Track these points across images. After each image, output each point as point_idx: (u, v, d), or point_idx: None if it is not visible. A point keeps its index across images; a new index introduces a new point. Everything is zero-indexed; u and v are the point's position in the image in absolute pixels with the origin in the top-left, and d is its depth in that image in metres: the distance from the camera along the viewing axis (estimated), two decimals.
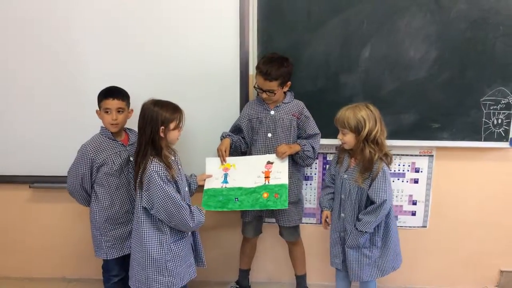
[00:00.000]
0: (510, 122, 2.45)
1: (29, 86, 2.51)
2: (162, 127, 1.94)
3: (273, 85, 2.21)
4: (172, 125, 1.97)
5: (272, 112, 2.32)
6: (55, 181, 2.62)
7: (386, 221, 2.12)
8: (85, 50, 2.47)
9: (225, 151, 2.29)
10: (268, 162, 2.28)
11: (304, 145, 2.30)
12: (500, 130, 2.47)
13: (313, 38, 2.40)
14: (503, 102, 2.42)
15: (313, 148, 2.31)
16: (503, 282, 2.72)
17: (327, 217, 2.30)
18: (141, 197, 1.95)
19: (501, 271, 2.72)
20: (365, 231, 2.06)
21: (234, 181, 2.28)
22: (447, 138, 2.48)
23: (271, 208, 2.26)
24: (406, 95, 2.43)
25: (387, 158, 2.07)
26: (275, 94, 2.24)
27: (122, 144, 2.21)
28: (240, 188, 2.26)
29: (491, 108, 2.44)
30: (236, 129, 2.41)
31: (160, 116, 1.93)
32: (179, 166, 2.07)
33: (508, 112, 2.43)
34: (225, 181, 2.29)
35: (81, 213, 2.70)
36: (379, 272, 2.16)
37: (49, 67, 2.49)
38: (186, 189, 2.11)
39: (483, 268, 2.72)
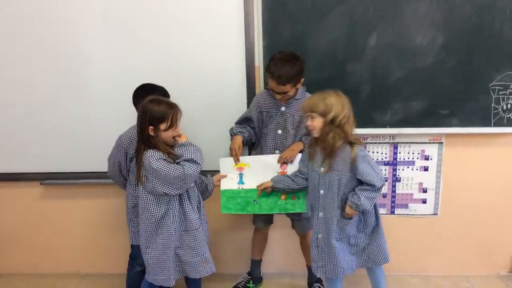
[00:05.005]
0: None
1: (39, 83, 2.53)
2: (151, 127, 1.92)
3: (286, 88, 2.18)
4: (162, 126, 1.93)
5: (283, 108, 2.30)
6: (66, 178, 2.64)
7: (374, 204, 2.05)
8: (92, 49, 2.48)
9: (238, 150, 2.28)
10: (284, 162, 2.28)
11: (305, 141, 2.29)
12: (510, 115, 2.45)
13: (319, 27, 2.39)
14: None
15: None
16: None
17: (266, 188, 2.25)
18: (145, 188, 1.98)
19: None
20: (363, 209, 1.98)
21: (250, 182, 2.29)
22: (456, 125, 2.46)
23: (290, 212, 2.29)
24: (414, 82, 2.42)
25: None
26: (289, 94, 2.23)
27: None
28: (257, 190, 2.27)
29: (500, 93, 2.42)
30: (246, 120, 2.40)
31: (150, 115, 1.91)
32: None
33: None
34: (241, 182, 2.30)
35: (93, 209, 2.73)
36: (369, 261, 2.09)
37: (59, 64, 2.50)
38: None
39: (495, 255, 2.71)
